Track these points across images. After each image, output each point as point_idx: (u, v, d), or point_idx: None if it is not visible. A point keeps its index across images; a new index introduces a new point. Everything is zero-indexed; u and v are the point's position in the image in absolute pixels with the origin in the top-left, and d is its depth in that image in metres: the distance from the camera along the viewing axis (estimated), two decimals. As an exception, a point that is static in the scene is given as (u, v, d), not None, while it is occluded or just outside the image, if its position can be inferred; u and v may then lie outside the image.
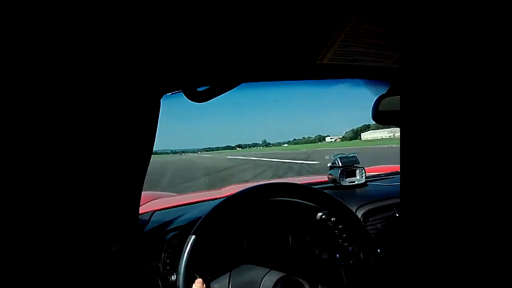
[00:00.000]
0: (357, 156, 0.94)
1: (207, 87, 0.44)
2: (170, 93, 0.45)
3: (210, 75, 0.43)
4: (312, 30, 0.33)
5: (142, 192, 0.58)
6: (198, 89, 0.44)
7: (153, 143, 0.50)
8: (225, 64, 0.40)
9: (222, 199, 0.57)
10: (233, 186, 1.04)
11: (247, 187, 0.58)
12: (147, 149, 0.50)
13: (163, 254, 0.61)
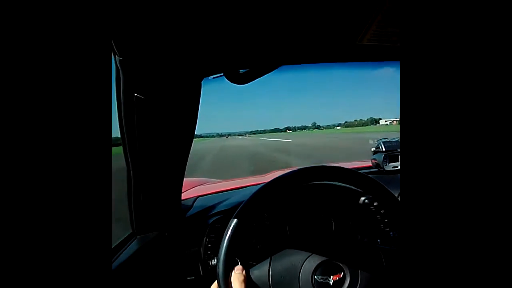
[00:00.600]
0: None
1: (247, 69, 0.46)
2: (211, 77, 0.46)
3: (250, 58, 0.44)
4: (350, 10, 0.33)
5: (186, 179, 0.60)
6: (240, 71, 0.46)
7: (195, 127, 0.51)
8: (265, 46, 0.41)
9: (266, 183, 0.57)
10: (277, 172, 1.01)
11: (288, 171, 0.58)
12: (189, 134, 0.52)
13: (204, 238, 0.64)
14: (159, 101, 0.44)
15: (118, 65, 0.38)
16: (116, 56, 0.37)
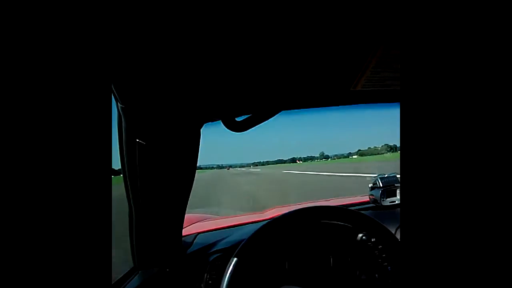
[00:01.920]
0: (397, 176, 1.01)
1: (246, 116, 0.50)
2: (210, 122, 0.51)
3: (249, 104, 0.49)
4: (345, 58, 0.38)
5: (186, 214, 0.66)
6: (238, 118, 0.50)
7: (195, 169, 0.57)
8: (264, 93, 0.46)
9: (265, 221, 0.64)
10: (277, 208, 1.10)
11: (289, 210, 0.65)
12: (189, 174, 0.57)
13: (205, 275, 0.69)
14: (160, 146, 0.48)
15: (121, 112, 0.42)
16: (119, 103, 0.41)
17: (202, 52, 0.34)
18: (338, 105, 0.53)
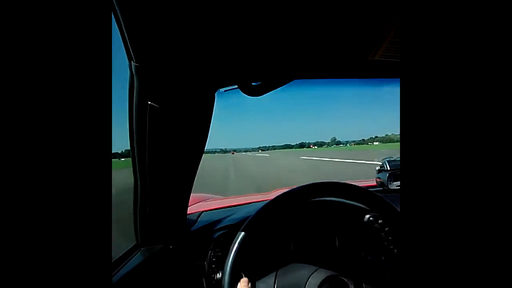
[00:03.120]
0: None
1: (261, 82, 0.52)
2: (224, 89, 0.52)
3: (264, 71, 0.50)
4: (363, 26, 0.38)
5: (191, 194, 0.68)
6: (253, 84, 0.52)
7: (206, 140, 0.58)
8: (279, 61, 0.47)
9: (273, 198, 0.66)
10: (282, 189, 1.12)
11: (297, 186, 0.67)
12: (199, 146, 0.58)
13: (209, 252, 0.72)
14: (172, 111, 0.49)
15: (134, 71, 0.43)
16: (132, 62, 0.41)
17: (219, 14, 0.35)
18: (354, 77, 0.54)
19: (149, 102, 0.46)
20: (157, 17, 0.34)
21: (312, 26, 0.38)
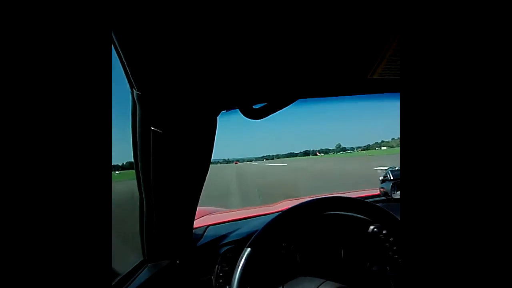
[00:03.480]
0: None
1: (263, 104, 0.54)
2: (226, 110, 0.54)
3: (266, 93, 0.52)
4: (362, 46, 0.40)
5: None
6: (254, 106, 0.53)
7: (210, 159, 0.60)
8: (281, 82, 0.48)
9: (276, 214, 0.68)
10: (286, 201, 1.15)
11: (300, 202, 0.70)
12: (204, 166, 0.60)
13: (216, 267, 0.75)
14: (175, 136, 0.51)
15: (136, 99, 0.45)
16: (134, 90, 0.43)
17: (219, 38, 0.36)
18: (354, 94, 0.56)
19: (152, 128, 0.49)
20: (156, 45, 0.35)
21: (313, 47, 0.40)
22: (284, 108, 0.55)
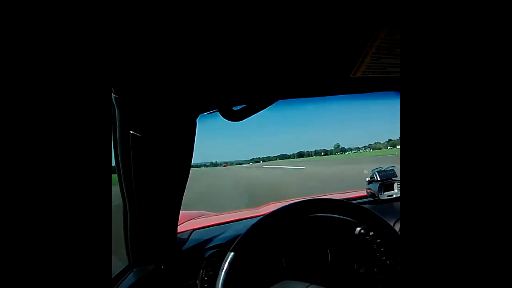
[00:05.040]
0: (395, 170, 1.14)
1: (243, 105, 0.57)
2: (206, 113, 0.58)
3: (245, 94, 0.55)
4: (343, 44, 0.42)
5: (181, 211, 0.75)
6: (234, 108, 0.57)
7: (191, 162, 0.64)
8: (260, 83, 0.51)
9: (261, 217, 0.75)
10: (272, 204, 1.24)
11: (285, 204, 0.76)
12: (184, 169, 0.64)
13: (201, 271, 0.81)
14: (155, 138, 0.54)
15: (114, 103, 0.47)
16: (112, 94, 0.45)
17: (197, 41, 0.38)
18: (337, 94, 0.60)
19: (131, 132, 0.52)
20: (133, 48, 0.37)
21: (292, 47, 0.42)
22: (267, 108, 0.58)
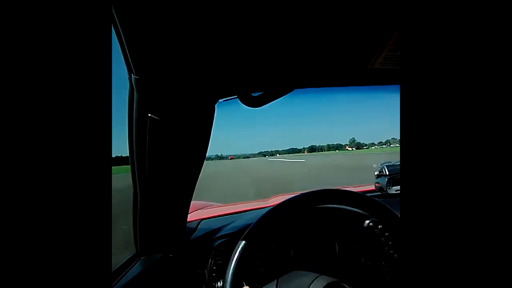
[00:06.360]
0: None
1: (261, 92, 0.60)
2: (224, 99, 0.60)
3: (264, 81, 0.58)
4: (362, 35, 0.45)
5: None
6: (253, 94, 0.60)
7: (206, 150, 0.67)
8: (279, 70, 0.54)
9: (269, 208, 0.78)
10: (280, 196, 1.29)
11: (296, 194, 0.80)
12: (200, 156, 0.67)
13: (210, 260, 0.86)
14: (173, 123, 0.57)
15: (134, 84, 0.49)
16: (132, 74, 0.47)
17: (219, 27, 0.41)
18: (354, 85, 0.62)
19: (149, 115, 0.54)
20: (156, 29, 0.40)
21: (312, 36, 0.45)
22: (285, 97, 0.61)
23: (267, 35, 0.44)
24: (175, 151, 0.63)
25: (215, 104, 0.59)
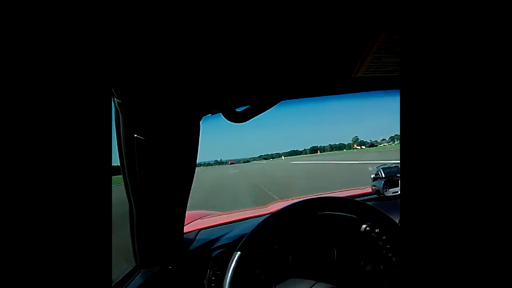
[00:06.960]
0: (399, 166, 1.18)
1: (246, 107, 0.61)
2: (210, 114, 0.62)
3: (248, 95, 0.60)
4: (345, 45, 0.46)
5: (187, 211, 0.81)
6: (237, 109, 0.61)
7: (195, 164, 0.70)
8: (263, 84, 0.56)
9: (266, 216, 0.82)
10: (279, 202, 1.33)
11: (292, 202, 0.83)
12: (189, 169, 0.69)
13: (208, 271, 0.88)
14: (159, 141, 0.59)
15: (118, 107, 0.51)
16: (115, 98, 0.49)
17: (198, 44, 0.41)
18: (339, 94, 0.65)
19: (135, 135, 0.56)
20: (135, 52, 0.40)
21: (294, 48, 0.46)
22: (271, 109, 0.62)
23: (249, 49, 0.45)
24: (164, 167, 0.65)
25: (200, 120, 0.62)
